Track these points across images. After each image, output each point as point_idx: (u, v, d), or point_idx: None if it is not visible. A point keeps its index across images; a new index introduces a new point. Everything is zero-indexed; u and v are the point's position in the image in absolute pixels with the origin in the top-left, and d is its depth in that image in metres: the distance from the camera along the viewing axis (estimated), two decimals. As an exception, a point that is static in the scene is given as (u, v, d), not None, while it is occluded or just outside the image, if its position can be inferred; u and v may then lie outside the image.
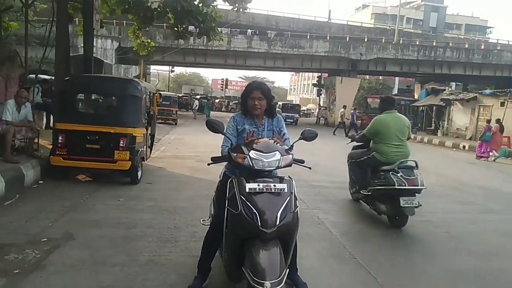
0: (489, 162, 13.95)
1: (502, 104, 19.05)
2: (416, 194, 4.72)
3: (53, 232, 3.92)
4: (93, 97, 7.95)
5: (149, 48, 11.78)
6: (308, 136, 2.85)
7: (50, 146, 6.55)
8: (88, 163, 5.99)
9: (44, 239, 3.71)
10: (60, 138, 5.94)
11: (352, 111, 22.86)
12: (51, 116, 9.78)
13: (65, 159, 5.90)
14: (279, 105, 33.93)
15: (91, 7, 8.28)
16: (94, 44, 10.90)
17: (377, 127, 5.31)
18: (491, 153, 14.73)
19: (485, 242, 4.66)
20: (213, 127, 2.69)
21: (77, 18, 10.69)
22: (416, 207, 4.65)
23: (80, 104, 7.26)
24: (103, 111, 7.10)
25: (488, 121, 16.46)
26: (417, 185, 4.68)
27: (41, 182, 5.95)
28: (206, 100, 37.78)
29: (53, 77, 9.85)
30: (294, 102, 46.23)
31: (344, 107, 24.12)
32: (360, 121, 27.87)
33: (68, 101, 6.29)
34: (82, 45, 8.88)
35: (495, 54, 33.28)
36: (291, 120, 30.91)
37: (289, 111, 32.91)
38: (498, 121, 16.00)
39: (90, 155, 5.94)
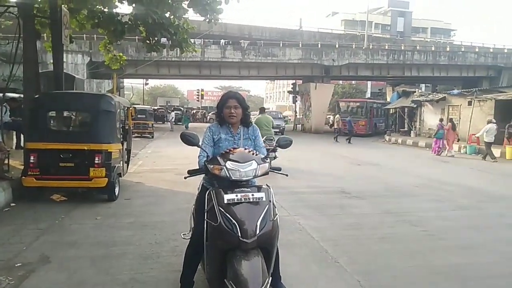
0: (460, 160, 14.46)
1: (470, 103, 19.82)
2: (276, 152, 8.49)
3: (27, 256, 3.78)
4: (65, 114, 7.75)
5: (121, 62, 11.61)
6: (283, 144, 2.88)
7: (22, 167, 6.34)
8: (62, 182, 5.83)
9: (18, 264, 3.58)
10: (31, 158, 5.76)
11: (348, 119, 23.10)
12: (22, 136, 9.48)
13: (38, 179, 5.72)
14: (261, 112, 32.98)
15: (59, 23, 8.12)
16: (64, 59, 10.69)
17: (256, 122, 9.14)
18: (451, 150, 15.89)
19: (460, 237, 4.81)
20: (188, 140, 2.68)
21: (45, 34, 10.45)
22: (274, 158, 8.62)
23: (51, 122, 7.07)
24: (76, 128, 6.94)
25: (441, 120, 17.64)
26: (273, 146, 8.62)
27: (13, 204, 5.74)
28: (179, 112, 37.35)
29: (21, 95, 9.57)
30: (275, 109, 44.49)
31: (339, 113, 24.30)
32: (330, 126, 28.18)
33: (38, 119, 6.11)
34: (52, 61, 8.68)
35: (460, 55, 34.68)
36: (277, 130, 27.32)
37: (274, 119, 31.57)
38: (450, 120, 17.42)
39: (64, 173, 5.78)
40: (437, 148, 16.08)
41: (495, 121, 15.47)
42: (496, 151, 15.90)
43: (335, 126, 23.32)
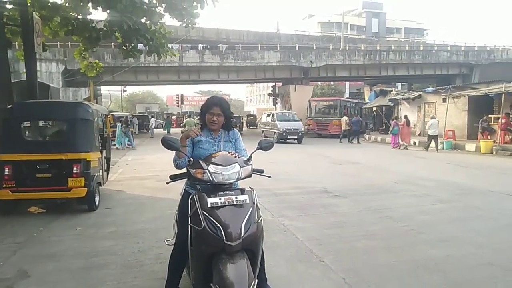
0: (437, 155, 14.85)
1: (444, 100, 20.39)
2: None
3: (4, 272, 3.66)
4: (40, 124, 7.55)
5: (97, 69, 11.42)
6: (265, 146, 2.89)
7: (-4, 180, 6.12)
8: (40, 193, 5.65)
9: (-5, 280, 3.45)
10: (6, 170, 5.57)
11: (354, 119, 22.79)
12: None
13: (13, 192, 5.53)
14: (273, 114, 23.65)
15: (31, 31, 7.92)
16: (38, 68, 10.44)
17: (185, 122, 17.80)
18: (401, 143, 18.24)
19: (439, 231, 4.93)
20: (169, 144, 2.65)
21: (16, 43, 10.17)
22: None
23: (26, 132, 6.86)
24: (53, 137, 6.77)
25: (396, 118, 20.10)
26: None
27: (-13, 219, 5.54)
28: (151, 117, 36.20)
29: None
30: (291, 111, 36.15)
31: (346, 114, 23.84)
32: (306, 127, 27.04)
33: (12, 130, 5.91)
34: (25, 70, 8.45)
35: (433, 54, 35.74)
36: (294, 137, 20.75)
37: (288, 122, 21.62)
38: (405, 116, 19.47)
39: (42, 185, 5.61)
40: (395, 143, 18.34)
41: (436, 117, 17.68)
42: (471, 146, 16.43)
43: (344, 128, 22.70)
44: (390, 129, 21.59)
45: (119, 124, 18.71)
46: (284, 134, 20.71)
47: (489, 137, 16.90)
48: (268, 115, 24.25)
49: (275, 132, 21.31)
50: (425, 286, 3.34)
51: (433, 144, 16.38)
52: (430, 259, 3.95)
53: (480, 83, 22.17)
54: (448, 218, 5.55)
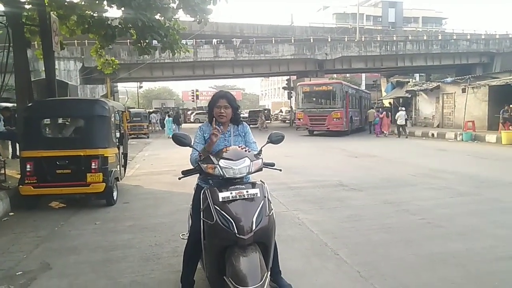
0: (456, 147, 14.53)
1: (464, 91, 19.88)
2: None
3: (28, 264, 3.79)
4: (59, 121, 7.74)
5: (113, 66, 11.59)
6: (275, 139, 2.88)
7: (19, 176, 6.33)
8: (60, 189, 5.82)
9: (19, 273, 3.58)
10: (28, 166, 5.75)
11: (380, 112, 22.62)
12: (17, 145, 9.46)
13: (35, 188, 5.71)
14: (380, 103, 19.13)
15: (49, 30, 8.09)
16: (57, 66, 10.69)
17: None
18: (384, 132, 20.78)
19: (458, 224, 4.83)
20: (180, 141, 2.69)
21: (35, 42, 10.41)
22: None
23: (46, 130, 7.05)
24: (71, 134, 6.94)
25: (378, 110, 23.34)
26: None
27: (11, 214, 5.73)
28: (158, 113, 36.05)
29: (15, 104, 9.55)
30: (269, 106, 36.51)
31: (374, 107, 24.75)
32: (296, 122, 23.18)
33: (33, 127, 6.10)
34: (44, 69, 8.66)
35: (452, 43, 34.80)
36: None
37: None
38: (386, 109, 23.35)
39: (62, 180, 5.77)
40: (378, 131, 21.05)
41: (404, 109, 20.81)
42: (492, 137, 16.02)
43: (371, 120, 23.14)
44: (373, 119, 22.91)
45: (168, 118, 23.69)
46: None
47: (510, 127, 16.41)
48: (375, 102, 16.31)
49: None
50: (444, 280, 3.29)
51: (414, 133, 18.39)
52: (448, 252, 3.88)
53: (502, 72, 21.51)
54: (467, 211, 5.43)
